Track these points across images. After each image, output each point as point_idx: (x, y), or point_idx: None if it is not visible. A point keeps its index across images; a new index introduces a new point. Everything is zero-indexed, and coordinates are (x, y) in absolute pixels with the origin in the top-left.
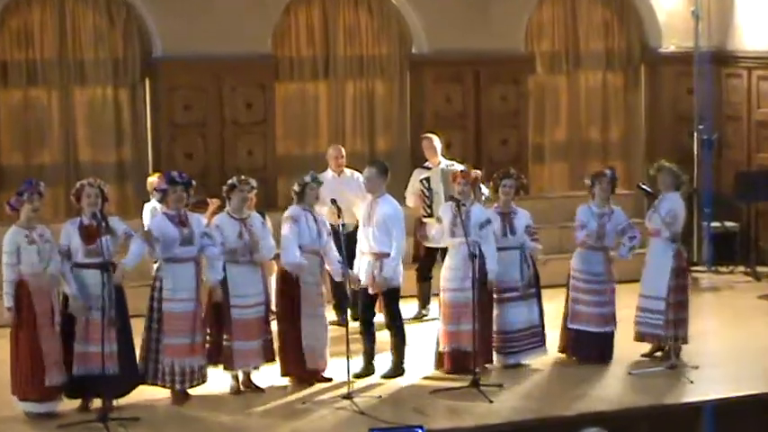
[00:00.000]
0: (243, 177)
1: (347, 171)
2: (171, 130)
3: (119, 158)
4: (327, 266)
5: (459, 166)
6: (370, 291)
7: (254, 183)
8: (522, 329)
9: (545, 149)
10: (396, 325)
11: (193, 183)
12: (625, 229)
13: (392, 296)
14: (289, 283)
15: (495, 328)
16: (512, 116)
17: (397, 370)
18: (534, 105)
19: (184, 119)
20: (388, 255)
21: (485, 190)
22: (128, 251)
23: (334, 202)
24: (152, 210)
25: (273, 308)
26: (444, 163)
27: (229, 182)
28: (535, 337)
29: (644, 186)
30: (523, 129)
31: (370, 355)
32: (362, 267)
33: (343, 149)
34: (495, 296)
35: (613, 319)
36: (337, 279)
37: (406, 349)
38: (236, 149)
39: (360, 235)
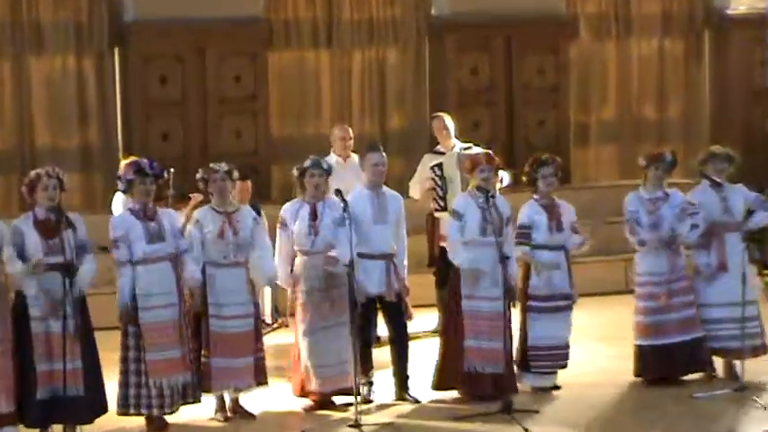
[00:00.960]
0: (211, 165)
1: (354, 156)
2: (145, 109)
3: (83, 142)
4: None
5: (477, 150)
6: (390, 298)
7: (225, 167)
8: (558, 346)
9: (590, 131)
10: (407, 338)
11: (167, 174)
12: (684, 208)
13: (402, 305)
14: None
15: (528, 342)
16: (550, 91)
17: (406, 390)
18: (577, 78)
19: (161, 95)
20: (395, 254)
21: (505, 177)
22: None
23: (338, 193)
24: (125, 200)
25: (268, 319)
26: (459, 146)
27: (198, 176)
28: (565, 358)
29: None
30: (564, 106)
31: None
32: (372, 274)
33: (350, 130)
34: (532, 304)
35: (696, 323)
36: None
37: (417, 368)
38: (222, 131)
39: (365, 235)
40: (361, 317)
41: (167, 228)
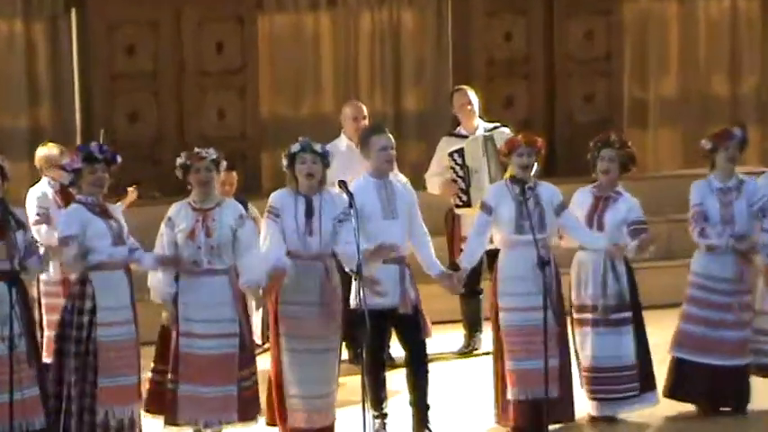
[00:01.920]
0: (196, 151)
1: None
2: (109, 84)
3: (33, 123)
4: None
5: (505, 131)
6: (405, 310)
7: (213, 154)
8: (611, 368)
9: (648, 108)
10: (427, 360)
11: (119, 159)
12: (764, 207)
13: (420, 319)
14: (276, 299)
15: (582, 360)
16: (600, 60)
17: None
18: (632, 44)
19: (128, 67)
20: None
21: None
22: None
23: (343, 184)
24: (40, 197)
25: (257, 339)
26: (483, 127)
27: (179, 161)
28: (630, 382)
29: None
30: (617, 78)
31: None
32: (383, 282)
33: (364, 109)
34: (576, 316)
35: (747, 347)
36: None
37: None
38: (203, 110)
39: (372, 233)
40: (372, 335)
41: (125, 227)
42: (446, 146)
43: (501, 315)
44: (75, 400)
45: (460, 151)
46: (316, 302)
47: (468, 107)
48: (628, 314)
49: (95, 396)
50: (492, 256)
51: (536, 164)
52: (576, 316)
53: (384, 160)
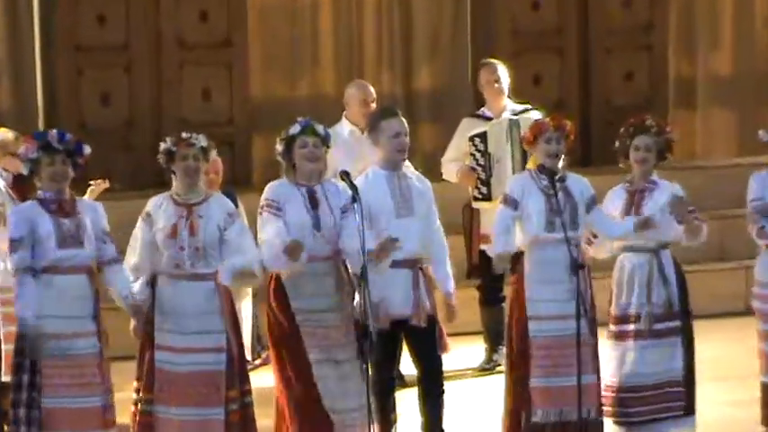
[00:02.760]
0: (183, 135)
1: None
2: (75, 58)
3: None
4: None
5: (536, 114)
6: (418, 322)
7: (203, 141)
8: (651, 386)
9: (696, 87)
10: (442, 379)
11: (85, 150)
12: None
13: (436, 331)
14: (282, 306)
15: (613, 379)
16: (641, 32)
17: None
18: (678, 13)
19: (97, 39)
20: (425, 258)
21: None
22: None
23: (346, 175)
24: None
25: (247, 354)
26: (511, 109)
27: (163, 146)
28: (674, 401)
29: None
30: (661, 53)
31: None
32: (394, 288)
33: (373, 90)
34: (614, 328)
35: None
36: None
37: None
38: (184, 90)
39: (383, 233)
40: (379, 350)
41: (88, 227)
42: (468, 128)
43: (530, 325)
44: (23, 425)
45: (482, 136)
46: (331, 308)
47: (495, 85)
48: (676, 323)
49: (41, 421)
50: (513, 258)
51: (564, 152)
52: (613, 328)
53: (396, 149)
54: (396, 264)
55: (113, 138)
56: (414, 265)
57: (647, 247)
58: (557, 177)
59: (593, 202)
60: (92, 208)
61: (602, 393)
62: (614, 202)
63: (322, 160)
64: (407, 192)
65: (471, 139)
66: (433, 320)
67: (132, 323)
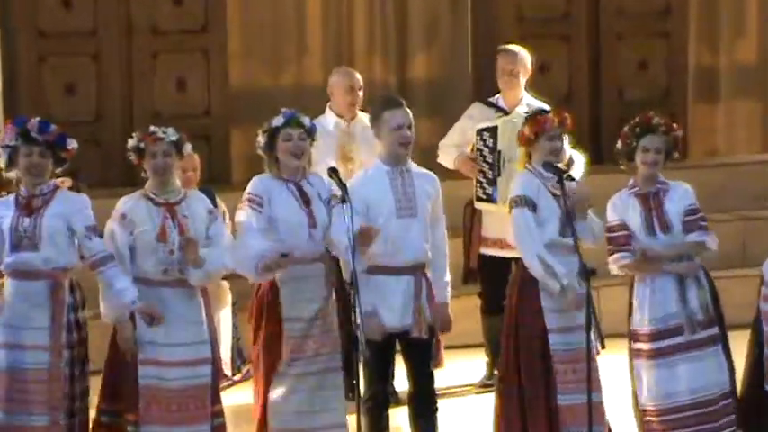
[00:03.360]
0: (151, 130)
1: (364, 117)
2: (37, 45)
3: None
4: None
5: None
6: (418, 334)
7: (173, 135)
8: (698, 401)
9: (719, 78)
10: (434, 396)
11: (70, 144)
12: None
13: (430, 345)
14: (271, 311)
15: (646, 397)
16: (657, 17)
17: None
18: None
19: (62, 25)
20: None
21: (577, 160)
22: None
23: (334, 172)
24: None
25: (227, 369)
26: (527, 103)
27: (130, 143)
28: (730, 413)
29: None
30: (679, 40)
31: None
32: (392, 296)
33: (359, 77)
34: (643, 345)
35: None
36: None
37: None
38: (157, 79)
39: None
40: (371, 364)
41: (51, 228)
42: (477, 114)
43: (551, 337)
44: None
45: (492, 131)
46: (318, 314)
47: (512, 78)
48: (715, 330)
49: None
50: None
51: (582, 160)
52: (648, 347)
53: (398, 142)
54: (396, 270)
55: (79, 132)
56: (415, 271)
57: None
58: (565, 176)
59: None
60: (73, 202)
61: (648, 419)
62: (627, 211)
63: (307, 155)
64: (411, 190)
65: (479, 133)
66: (432, 332)
67: (125, 332)
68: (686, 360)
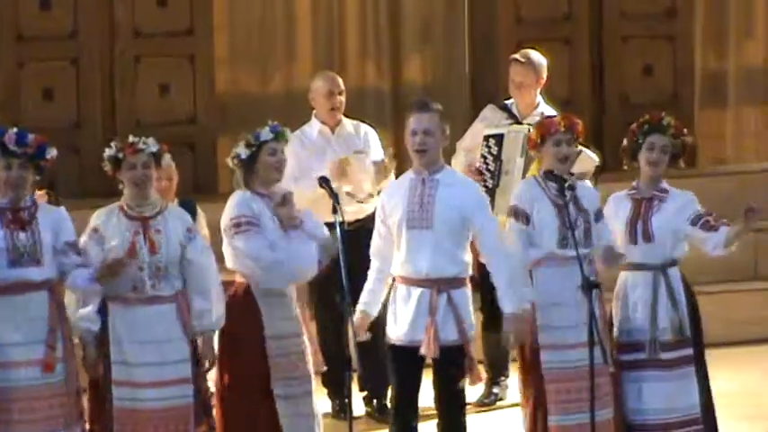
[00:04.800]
0: (130, 140)
1: (348, 123)
2: (16, 49)
3: None
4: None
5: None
6: (428, 352)
7: (153, 146)
8: (666, 423)
9: (727, 82)
10: (463, 420)
11: (50, 153)
12: None
13: (460, 363)
14: (254, 333)
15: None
16: (663, 18)
17: None
18: None
19: (39, 26)
20: (464, 281)
21: (591, 158)
22: None
23: (325, 182)
24: None
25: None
26: (541, 112)
27: (108, 153)
28: None
29: None
30: (686, 42)
31: None
32: (403, 308)
33: (340, 81)
34: (618, 356)
35: None
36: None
37: None
38: (140, 84)
39: (394, 247)
40: (397, 379)
41: (47, 241)
42: (489, 116)
43: (543, 355)
44: None
45: (498, 138)
46: (296, 332)
47: (528, 84)
48: (687, 351)
49: None
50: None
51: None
52: (617, 357)
53: (412, 149)
54: (409, 281)
55: (58, 139)
56: (432, 285)
57: (651, 264)
58: (566, 185)
59: (599, 216)
60: (56, 214)
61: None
62: (617, 212)
63: (283, 170)
64: (430, 201)
65: (486, 138)
66: (461, 352)
67: (87, 353)
68: (652, 379)
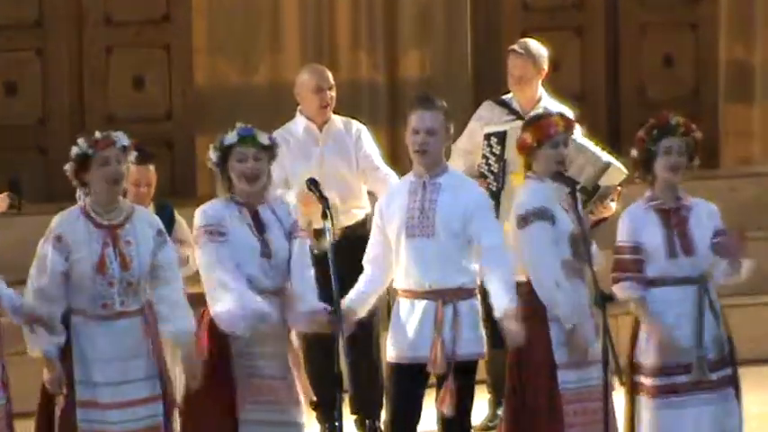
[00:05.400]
0: (98, 135)
1: (338, 120)
2: None
3: None
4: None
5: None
6: (434, 369)
7: (124, 139)
8: None
9: (754, 75)
10: None
11: None
12: None
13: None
14: (218, 347)
15: None
16: (684, 6)
17: None
18: None
19: (3, 15)
20: (472, 292)
21: (620, 165)
22: None
23: (314, 184)
24: None
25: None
26: (544, 105)
27: (75, 151)
28: None
29: None
30: (709, 32)
31: None
32: (406, 324)
33: (330, 75)
34: (646, 379)
35: None
36: (308, 328)
37: None
38: (111, 77)
39: (391, 256)
40: (396, 398)
41: None
42: (487, 115)
43: (563, 374)
44: None
45: (500, 136)
46: (275, 354)
47: (528, 77)
48: (728, 371)
49: None
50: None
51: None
52: (652, 382)
53: (412, 149)
54: (411, 294)
55: (21, 137)
56: (437, 297)
57: (693, 277)
58: (579, 187)
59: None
60: None
61: None
62: (642, 227)
63: (263, 178)
64: (431, 206)
65: (487, 137)
66: (468, 369)
67: (47, 373)
68: (695, 402)
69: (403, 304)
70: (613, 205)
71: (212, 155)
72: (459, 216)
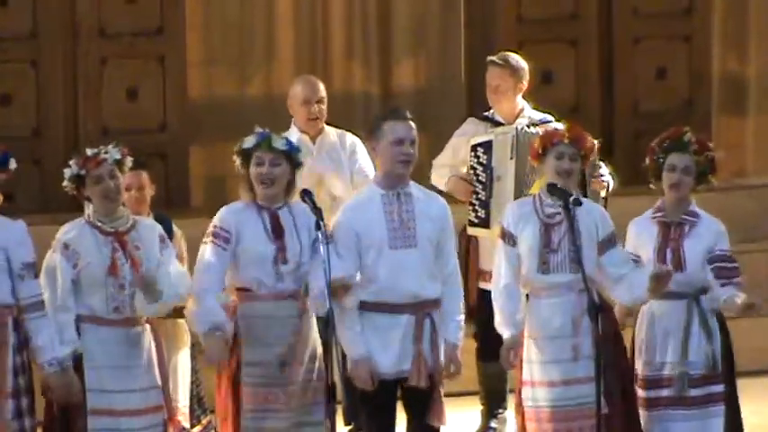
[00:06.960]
0: (91, 152)
1: (332, 132)
2: None
3: None
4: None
5: (557, 126)
6: (416, 382)
7: (115, 153)
8: None
9: (747, 88)
10: None
11: (12, 165)
12: None
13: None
14: (232, 353)
15: None
16: (678, 17)
17: None
18: None
19: None
20: (440, 302)
21: (604, 172)
22: None
23: (307, 195)
24: None
25: (185, 421)
26: (528, 116)
27: (68, 172)
28: None
29: None
30: (703, 43)
31: None
32: (388, 339)
33: (321, 87)
34: (642, 393)
35: None
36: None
37: None
38: (105, 88)
39: (371, 268)
40: (369, 419)
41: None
42: (471, 130)
43: (531, 391)
44: None
45: (487, 146)
46: (286, 359)
47: (507, 89)
48: (719, 388)
49: None
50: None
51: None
52: (642, 394)
53: (397, 159)
54: (392, 308)
55: (16, 148)
56: (417, 309)
57: (684, 291)
58: (572, 199)
59: (609, 243)
60: (12, 231)
61: None
62: (641, 238)
63: (281, 182)
64: (410, 217)
65: (474, 148)
66: (434, 381)
67: (68, 379)
68: (677, 418)
69: (379, 319)
70: (605, 175)
71: (235, 158)
72: (435, 225)
